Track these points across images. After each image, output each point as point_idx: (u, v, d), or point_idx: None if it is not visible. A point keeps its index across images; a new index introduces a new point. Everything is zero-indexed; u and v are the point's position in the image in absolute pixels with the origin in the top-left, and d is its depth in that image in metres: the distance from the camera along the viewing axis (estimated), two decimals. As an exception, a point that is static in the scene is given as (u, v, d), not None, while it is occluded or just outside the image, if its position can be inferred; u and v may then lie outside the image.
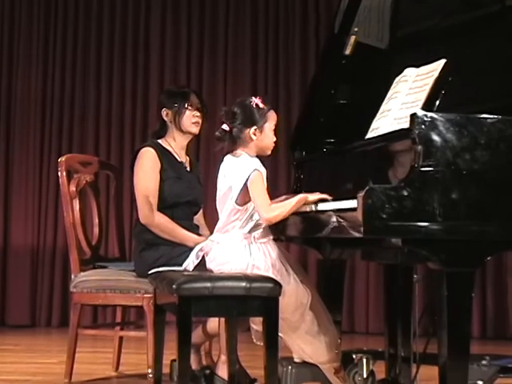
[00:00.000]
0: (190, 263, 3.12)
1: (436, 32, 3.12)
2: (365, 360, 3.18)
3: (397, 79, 3.00)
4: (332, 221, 2.61)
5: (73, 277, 3.91)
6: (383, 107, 2.99)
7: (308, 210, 2.89)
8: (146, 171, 3.69)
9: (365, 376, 3.18)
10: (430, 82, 2.74)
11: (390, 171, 2.66)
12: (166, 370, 3.24)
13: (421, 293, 3.22)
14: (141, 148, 3.78)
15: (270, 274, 2.91)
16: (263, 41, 6.55)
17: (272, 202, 3.00)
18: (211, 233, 3.23)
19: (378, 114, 3.00)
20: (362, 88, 3.41)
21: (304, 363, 3.18)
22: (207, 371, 3.63)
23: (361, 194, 2.36)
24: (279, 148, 6.18)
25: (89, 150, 6.42)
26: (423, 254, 2.46)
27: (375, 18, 3.50)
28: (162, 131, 3.85)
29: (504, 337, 5.93)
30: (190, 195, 3.76)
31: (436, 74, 2.74)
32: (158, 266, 3.42)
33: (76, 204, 4.00)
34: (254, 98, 3.05)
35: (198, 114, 3.80)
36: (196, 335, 3.57)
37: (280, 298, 2.81)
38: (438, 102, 2.68)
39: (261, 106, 3.03)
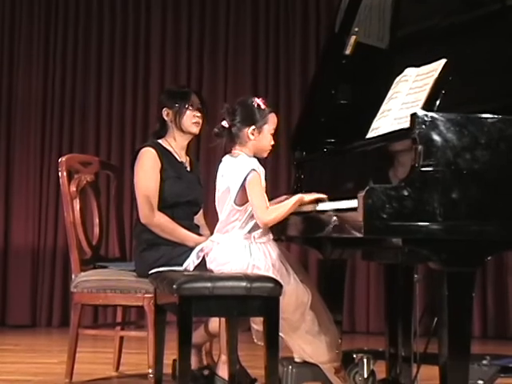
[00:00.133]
0: (191, 263, 3.12)
1: (436, 32, 3.12)
2: (365, 360, 3.18)
3: (397, 79, 3.00)
4: (332, 221, 2.62)
5: (73, 277, 3.91)
6: (383, 107, 2.99)
7: (309, 210, 2.89)
8: (147, 171, 3.69)
9: (365, 376, 3.18)
10: (431, 81, 2.74)
11: (391, 171, 2.66)
12: (166, 370, 3.23)
13: (421, 292, 3.22)
14: (141, 148, 3.78)
15: (271, 274, 2.91)
16: (264, 40, 6.55)
17: (272, 203, 3.00)
18: (211, 233, 3.23)
19: (378, 114, 3.00)
20: (362, 88, 3.41)
21: (304, 363, 3.18)
22: (206, 371, 3.63)
23: (361, 194, 2.36)
24: (279, 148, 6.20)
25: (89, 150, 6.42)
26: (424, 254, 2.46)
27: (376, 17, 3.50)
28: (163, 131, 3.85)
29: (504, 336, 5.93)
30: (190, 195, 3.76)
31: (436, 73, 2.74)
32: (159, 266, 3.42)
33: (76, 204, 4.00)
34: (256, 98, 3.05)
35: (199, 114, 3.80)
36: (197, 335, 3.57)
37: (280, 298, 2.81)
38: (438, 102, 2.68)
39: (262, 106, 3.03)
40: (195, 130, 3.81)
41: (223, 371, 3.44)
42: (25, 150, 6.59)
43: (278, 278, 2.88)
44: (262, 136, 3.03)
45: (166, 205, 3.69)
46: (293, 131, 3.69)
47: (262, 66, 6.53)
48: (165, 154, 3.75)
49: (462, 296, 2.44)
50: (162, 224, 3.65)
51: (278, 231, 3.09)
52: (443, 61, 2.75)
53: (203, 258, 3.09)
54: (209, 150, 5.98)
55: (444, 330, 2.43)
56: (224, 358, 3.44)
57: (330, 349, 3.10)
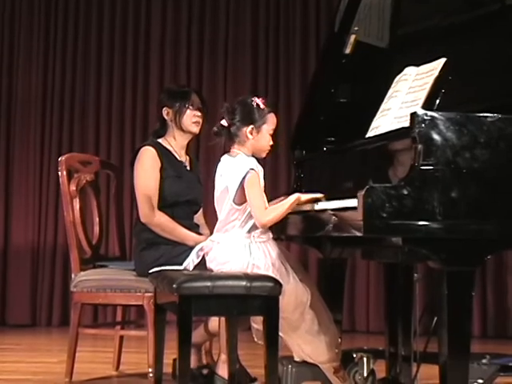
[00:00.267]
0: (190, 263, 3.12)
1: (436, 31, 3.12)
2: (365, 359, 3.19)
3: (397, 78, 3.00)
4: (332, 220, 2.62)
5: (73, 276, 3.92)
6: (383, 106, 2.99)
7: (308, 209, 2.89)
8: (146, 170, 3.69)
9: (365, 375, 3.18)
10: (430, 80, 2.74)
11: (390, 170, 2.66)
12: (166, 369, 3.23)
13: (421, 292, 3.22)
14: (141, 147, 3.78)
15: (270, 273, 2.91)
16: (263, 39, 6.55)
17: (271, 203, 3.00)
18: (211, 232, 3.23)
19: (378, 113, 3.00)
20: (362, 87, 3.41)
21: (304, 362, 3.17)
22: (205, 370, 3.63)
23: (361, 193, 2.37)
24: (279, 147, 6.20)
25: (89, 149, 6.42)
26: (423, 253, 2.46)
27: (375, 16, 3.50)
28: (163, 130, 3.85)
29: (504, 336, 5.93)
30: (189, 194, 3.76)
31: (436, 72, 2.74)
32: (159, 266, 3.42)
33: (76, 203, 4.00)
34: (255, 97, 3.05)
35: (199, 113, 3.80)
36: (197, 335, 3.57)
37: (280, 298, 2.81)
38: (438, 101, 2.68)
39: (261, 106, 3.02)
40: (195, 129, 3.81)
41: (223, 370, 3.44)
42: (24, 149, 6.59)
43: (277, 278, 2.88)
44: (261, 136, 3.02)
45: (165, 204, 3.69)
46: (292, 130, 3.69)
47: (262, 65, 6.53)
48: (165, 153, 3.75)
49: (461, 295, 2.44)
50: (162, 223, 3.65)
51: (278, 230, 3.09)
52: (443, 60, 2.75)
53: (203, 257, 3.09)
54: (208, 149, 5.98)
55: (444, 329, 2.43)
56: (224, 357, 3.44)
57: (330, 348, 3.10)
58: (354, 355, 3.24)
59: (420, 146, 2.42)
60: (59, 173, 4.00)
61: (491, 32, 2.88)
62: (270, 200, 3.03)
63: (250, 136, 3.01)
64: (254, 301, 2.79)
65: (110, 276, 3.84)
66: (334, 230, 2.62)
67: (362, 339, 5.78)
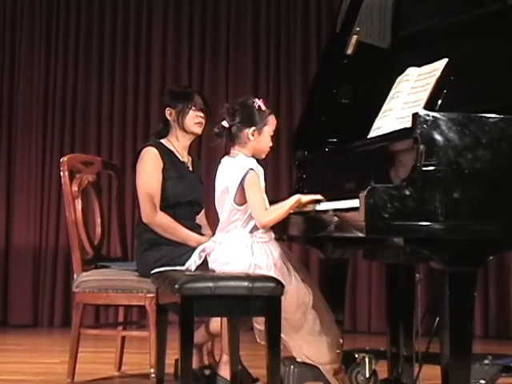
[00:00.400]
0: (192, 263, 3.12)
1: (438, 31, 3.12)
2: (367, 359, 3.19)
3: (399, 79, 3.00)
4: (334, 220, 2.62)
5: (75, 276, 3.92)
6: (385, 107, 2.99)
7: (310, 209, 2.89)
8: (149, 171, 3.69)
9: (367, 375, 3.18)
10: (432, 81, 2.74)
11: (392, 171, 2.66)
12: (168, 369, 3.24)
13: (423, 292, 3.23)
14: (143, 147, 3.79)
15: (272, 274, 2.91)
16: (265, 40, 6.55)
17: (272, 205, 3.00)
18: (213, 233, 3.23)
19: (379, 114, 3.00)
20: (363, 87, 3.41)
21: (306, 363, 3.17)
22: (207, 371, 3.63)
23: (363, 194, 2.37)
24: (281, 148, 6.20)
25: (91, 150, 6.42)
26: (425, 254, 2.46)
27: (377, 17, 3.50)
28: (165, 131, 3.85)
29: (506, 336, 5.92)
30: (191, 195, 3.76)
31: (438, 73, 2.75)
32: (160, 266, 3.42)
33: (78, 204, 4.00)
34: (257, 99, 3.05)
35: (202, 114, 3.80)
36: (199, 335, 3.57)
37: (282, 298, 2.81)
38: (439, 102, 2.68)
39: (263, 108, 3.03)
40: (198, 130, 3.81)
41: (225, 371, 3.44)
42: (26, 150, 6.59)
43: (279, 278, 2.88)
44: (262, 137, 3.03)
45: (167, 204, 3.69)
46: (294, 131, 3.70)
47: (263, 65, 6.53)
48: (167, 154, 3.75)
49: (463, 296, 2.44)
50: (164, 224, 3.65)
51: (280, 231, 3.10)
52: (445, 60, 2.75)
53: (205, 257, 3.09)
54: (210, 149, 5.98)
55: (446, 330, 2.43)
56: (226, 358, 3.44)
57: (331, 349, 3.10)
58: (356, 356, 3.24)
59: (422, 147, 2.42)
60: (61, 173, 4.00)
61: (492, 32, 2.88)
62: (271, 201, 3.03)
63: (251, 138, 3.01)
64: (256, 301, 2.79)
65: (111, 276, 3.84)
66: (335, 230, 2.62)
67: (363, 340, 5.77)
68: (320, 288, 3.19)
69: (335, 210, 2.65)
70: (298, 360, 3.19)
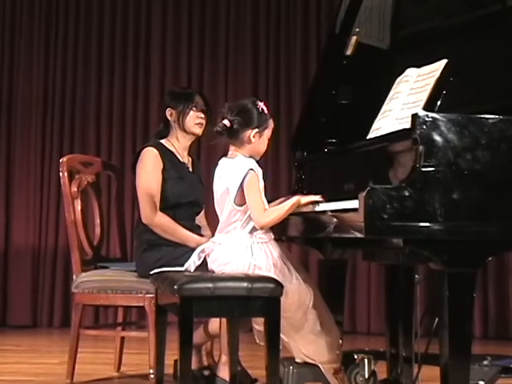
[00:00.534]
0: (192, 264, 3.12)
1: (437, 32, 3.12)
2: (366, 360, 3.19)
3: (398, 79, 3.00)
4: (333, 221, 2.62)
5: (74, 277, 3.92)
6: (384, 107, 2.99)
7: (309, 210, 2.89)
8: (149, 171, 3.69)
9: (366, 376, 3.18)
10: (432, 82, 2.74)
11: (392, 171, 2.66)
12: (167, 370, 3.24)
13: (422, 293, 3.23)
14: (143, 148, 3.78)
15: (272, 274, 2.91)
16: (264, 40, 6.55)
17: (271, 205, 3.00)
18: (213, 233, 3.23)
19: (379, 115, 3.00)
20: (363, 88, 3.41)
21: (306, 363, 3.17)
22: (206, 371, 3.63)
23: (362, 195, 2.37)
24: (280, 149, 6.20)
25: (90, 150, 6.42)
26: (425, 255, 2.46)
27: (376, 18, 3.50)
28: (165, 131, 3.85)
29: (506, 337, 5.93)
30: (191, 196, 3.76)
31: (437, 74, 2.75)
32: (160, 267, 3.42)
33: (77, 204, 4.00)
34: (259, 101, 3.06)
35: (202, 115, 3.80)
36: (197, 336, 3.57)
37: (282, 298, 2.81)
38: (439, 102, 2.68)
39: (265, 111, 3.04)
40: (198, 130, 3.81)
41: (224, 372, 3.44)
42: (25, 150, 6.58)
43: (279, 278, 2.88)
44: (262, 140, 3.05)
45: (167, 205, 3.69)
46: (293, 132, 3.69)
47: (263, 66, 6.53)
48: (167, 155, 3.75)
49: (462, 296, 2.44)
50: (164, 224, 3.65)
51: (279, 231, 3.10)
52: (444, 61, 2.75)
53: (204, 258, 3.09)
54: (210, 149, 5.98)
55: (445, 331, 2.43)
56: (225, 358, 3.44)
57: (331, 349, 3.10)
58: (355, 356, 3.24)
59: (421, 148, 2.42)
60: (60, 174, 4.00)
61: (492, 33, 2.88)
62: (270, 201, 3.04)
63: (252, 139, 3.02)
64: (256, 302, 2.79)
65: (111, 277, 3.84)
66: (335, 231, 2.62)
67: (362, 340, 5.78)
68: (319, 289, 3.19)
69: (334, 211, 2.65)
70: (298, 360, 3.19)
